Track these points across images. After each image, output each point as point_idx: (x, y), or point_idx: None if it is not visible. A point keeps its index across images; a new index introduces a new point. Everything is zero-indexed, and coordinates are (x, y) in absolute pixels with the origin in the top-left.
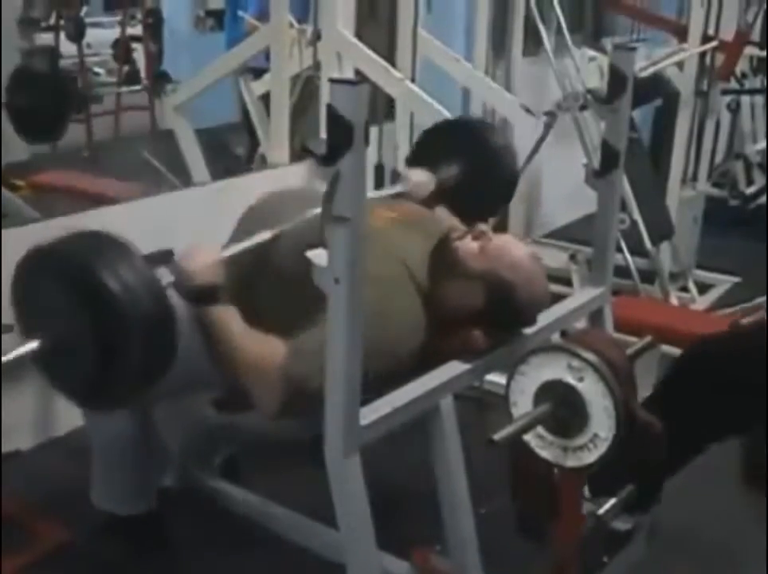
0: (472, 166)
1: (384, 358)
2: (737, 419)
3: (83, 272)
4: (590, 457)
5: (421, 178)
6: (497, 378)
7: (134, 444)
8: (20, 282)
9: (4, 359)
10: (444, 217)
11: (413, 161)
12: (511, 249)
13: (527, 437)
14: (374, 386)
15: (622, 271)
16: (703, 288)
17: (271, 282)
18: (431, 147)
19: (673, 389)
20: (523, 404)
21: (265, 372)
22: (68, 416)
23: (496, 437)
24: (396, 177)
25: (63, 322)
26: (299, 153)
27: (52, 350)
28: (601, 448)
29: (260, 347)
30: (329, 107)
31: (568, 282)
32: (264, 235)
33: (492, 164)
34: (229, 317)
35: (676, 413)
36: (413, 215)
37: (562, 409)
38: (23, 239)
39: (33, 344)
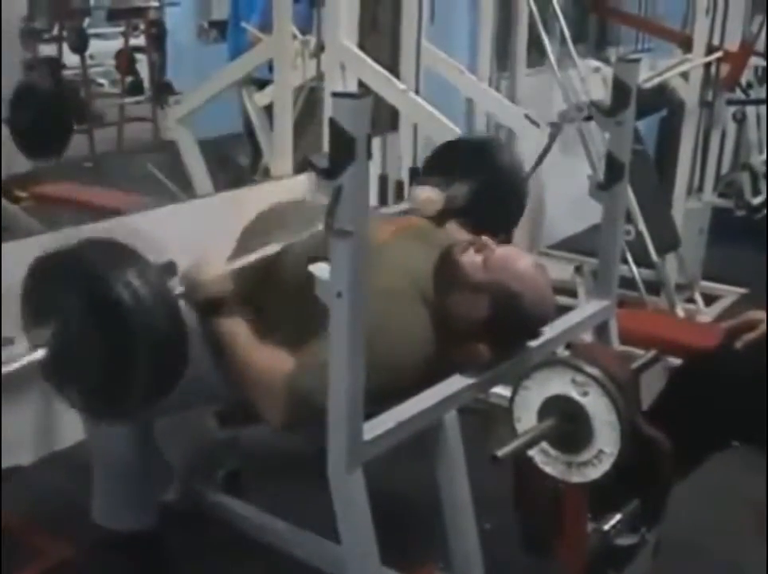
0: (482, 185)
1: (389, 371)
2: (734, 431)
3: (95, 279)
4: (595, 472)
5: (429, 196)
6: (502, 390)
7: (135, 460)
8: (30, 287)
9: (12, 367)
10: (451, 230)
11: (423, 178)
12: (515, 259)
13: (532, 452)
14: (378, 399)
15: (628, 282)
16: (710, 299)
17: (277, 295)
18: (441, 164)
19: (672, 401)
20: (527, 419)
21: (272, 385)
22: (70, 430)
23: (500, 453)
24: (399, 188)
25: (73, 330)
26: (303, 164)
27: (61, 359)
28: (606, 463)
29: (267, 360)
30: (331, 120)
31: (573, 294)
32: (273, 248)
33: (502, 184)
34: (236, 329)
35: (675, 424)
36: (417, 228)
37: (567, 424)
38: (25, 251)
39: (40, 353)
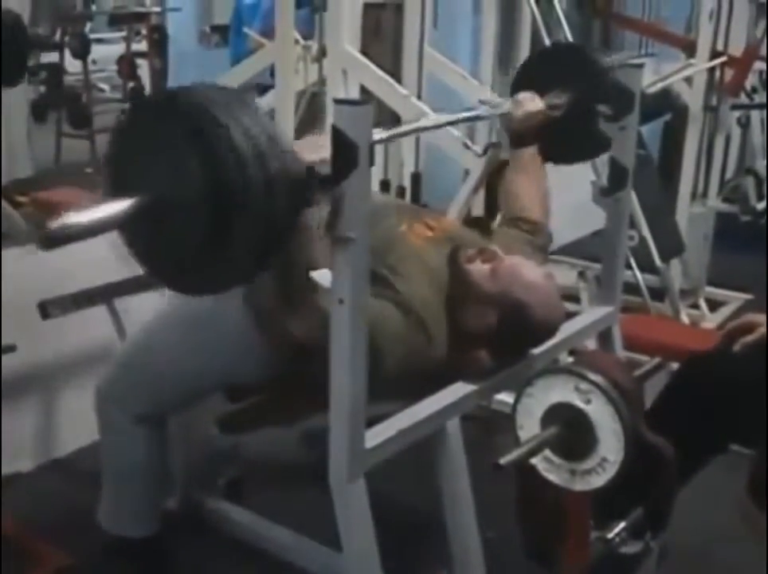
0: (583, 97)
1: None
2: (733, 434)
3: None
4: (599, 480)
5: (529, 96)
6: (505, 397)
7: (147, 466)
8: (123, 130)
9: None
10: (473, 234)
11: (517, 86)
12: (523, 269)
13: (535, 460)
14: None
15: (632, 288)
16: (714, 305)
17: None
18: (538, 72)
19: (670, 404)
20: (530, 427)
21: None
22: (70, 438)
23: (503, 461)
24: (401, 194)
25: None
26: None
27: (156, 210)
28: (610, 471)
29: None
30: (333, 127)
31: (576, 299)
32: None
33: (604, 93)
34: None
35: (673, 427)
36: (451, 233)
37: (570, 432)
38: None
39: (128, 202)
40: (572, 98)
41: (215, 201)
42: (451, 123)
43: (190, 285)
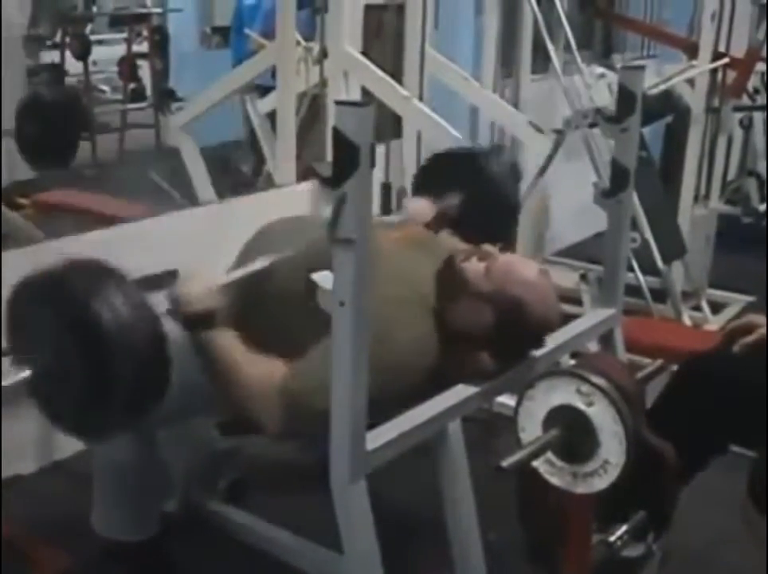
0: (473, 195)
1: (393, 379)
2: (733, 434)
3: (74, 302)
4: (600, 483)
5: (420, 206)
6: (506, 399)
7: (136, 470)
8: (13, 310)
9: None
10: (448, 239)
11: (417, 189)
12: (518, 267)
13: (536, 463)
14: (382, 408)
15: (634, 290)
16: (717, 307)
17: (272, 307)
18: (434, 175)
19: (670, 404)
20: (531, 429)
21: (265, 391)
22: (71, 440)
23: (504, 463)
24: (403, 195)
25: (54, 350)
26: (306, 171)
27: (43, 378)
28: (612, 474)
29: (260, 368)
30: (334, 129)
31: (578, 302)
32: (263, 262)
33: (493, 195)
34: (227, 341)
35: (672, 428)
36: (419, 236)
37: (572, 434)
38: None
39: (24, 373)
40: (464, 199)
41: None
42: None
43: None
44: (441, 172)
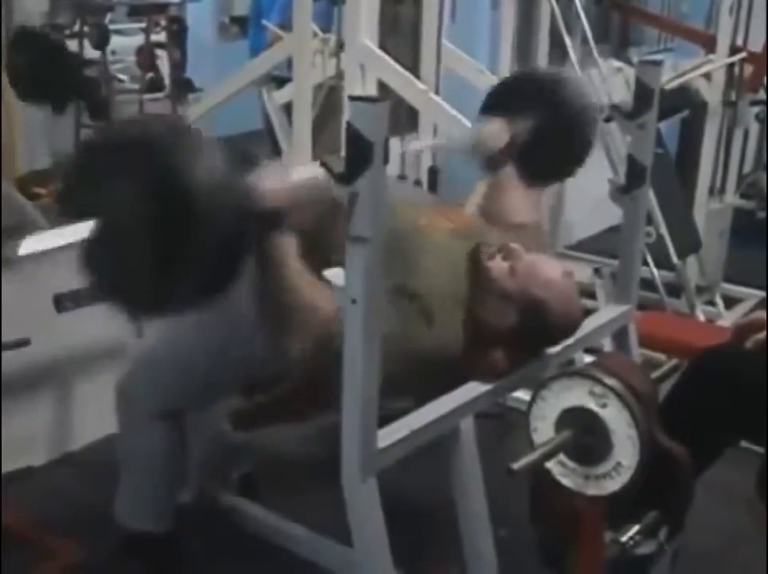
0: (549, 123)
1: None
2: (743, 430)
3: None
4: (613, 485)
5: (494, 130)
6: (521, 394)
7: (166, 461)
8: (81, 163)
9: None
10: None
11: (486, 110)
12: (542, 267)
13: (549, 464)
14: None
15: (648, 285)
16: (731, 302)
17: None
18: (509, 96)
19: (680, 400)
20: (544, 430)
21: (308, 314)
22: (82, 431)
23: (516, 466)
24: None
25: (130, 208)
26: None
27: (107, 242)
28: (625, 476)
29: (308, 286)
30: (348, 124)
31: (592, 295)
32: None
33: (569, 126)
34: (288, 248)
35: (682, 424)
36: (470, 225)
37: (585, 436)
38: None
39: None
40: (536, 124)
41: (162, 228)
42: None
43: (142, 305)
44: (517, 94)
